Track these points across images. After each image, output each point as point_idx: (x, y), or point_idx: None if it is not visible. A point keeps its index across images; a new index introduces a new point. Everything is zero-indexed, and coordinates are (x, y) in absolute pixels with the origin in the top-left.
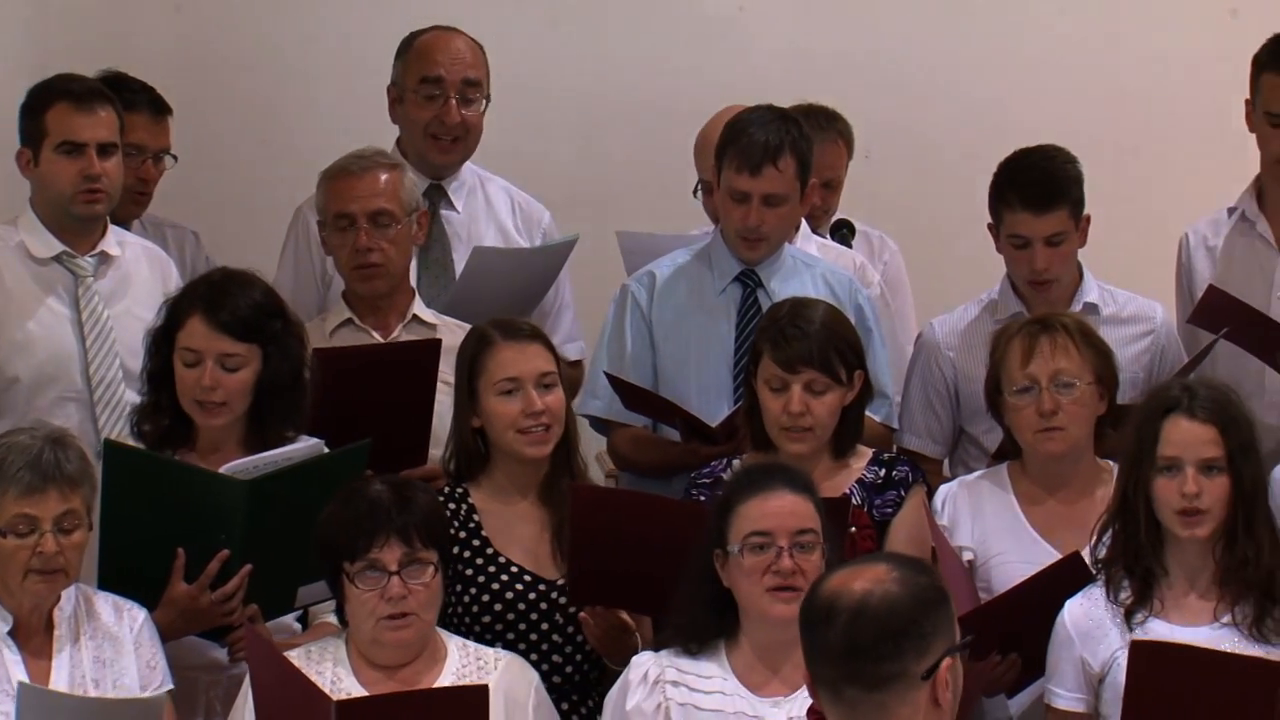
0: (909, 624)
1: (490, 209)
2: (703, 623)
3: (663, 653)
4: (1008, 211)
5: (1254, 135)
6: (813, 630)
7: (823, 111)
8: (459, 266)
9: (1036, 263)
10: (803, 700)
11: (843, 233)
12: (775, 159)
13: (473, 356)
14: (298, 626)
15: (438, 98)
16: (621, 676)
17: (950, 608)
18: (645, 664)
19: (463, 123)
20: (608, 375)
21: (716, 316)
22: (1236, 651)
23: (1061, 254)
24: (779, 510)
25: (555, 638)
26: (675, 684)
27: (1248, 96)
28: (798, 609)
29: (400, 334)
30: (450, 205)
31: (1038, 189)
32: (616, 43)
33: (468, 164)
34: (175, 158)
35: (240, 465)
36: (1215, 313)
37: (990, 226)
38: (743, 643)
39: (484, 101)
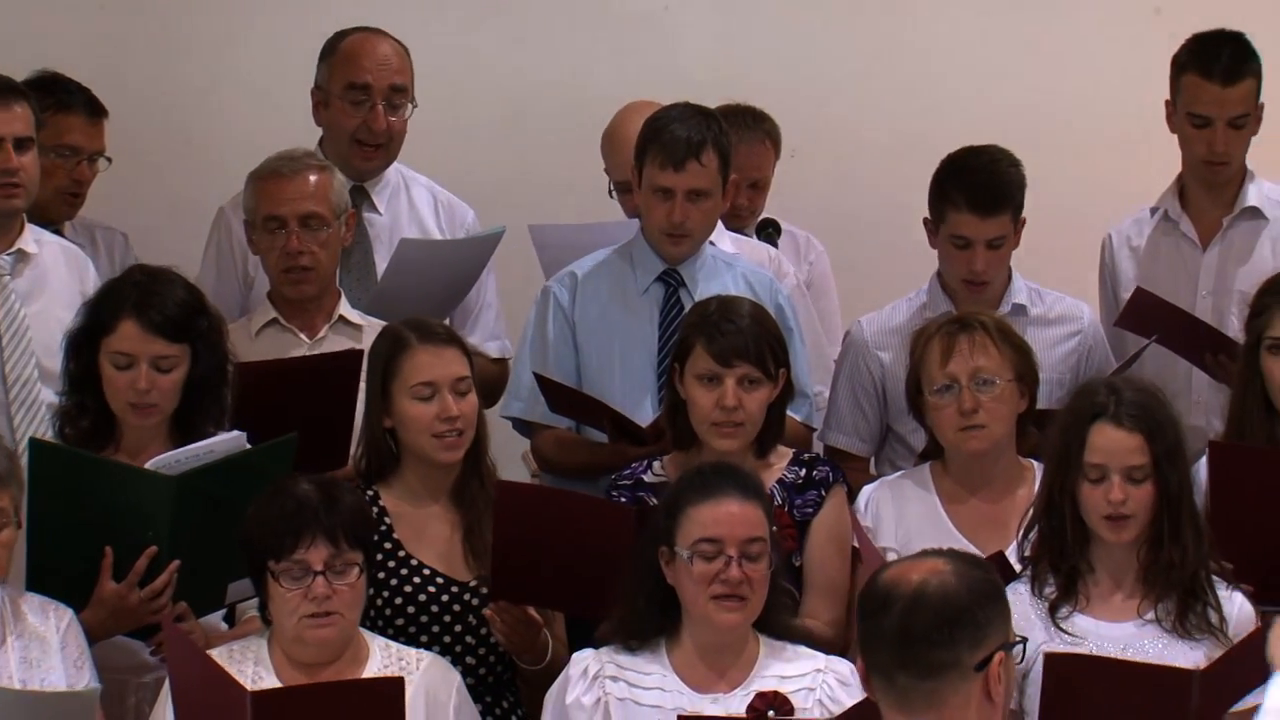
0: (964, 613)
1: (413, 210)
2: (644, 619)
3: (603, 649)
4: (953, 211)
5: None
6: (869, 617)
7: (749, 111)
8: (381, 269)
9: (976, 264)
10: (742, 697)
11: (768, 232)
12: (698, 154)
13: (388, 358)
14: (224, 625)
15: (364, 104)
16: (563, 672)
17: (1007, 604)
18: (585, 659)
19: (388, 129)
20: (536, 376)
21: (639, 316)
22: (1155, 658)
23: (1001, 256)
24: (729, 518)
25: (469, 639)
26: (615, 679)
27: (1168, 98)
28: (743, 617)
29: (326, 334)
30: (373, 208)
31: (986, 192)
32: (542, 41)
33: (393, 165)
34: (109, 160)
35: (164, 460)
36: (1143, 315)
37: (927, 222)
38: (684, 641)
39: (410, 107)
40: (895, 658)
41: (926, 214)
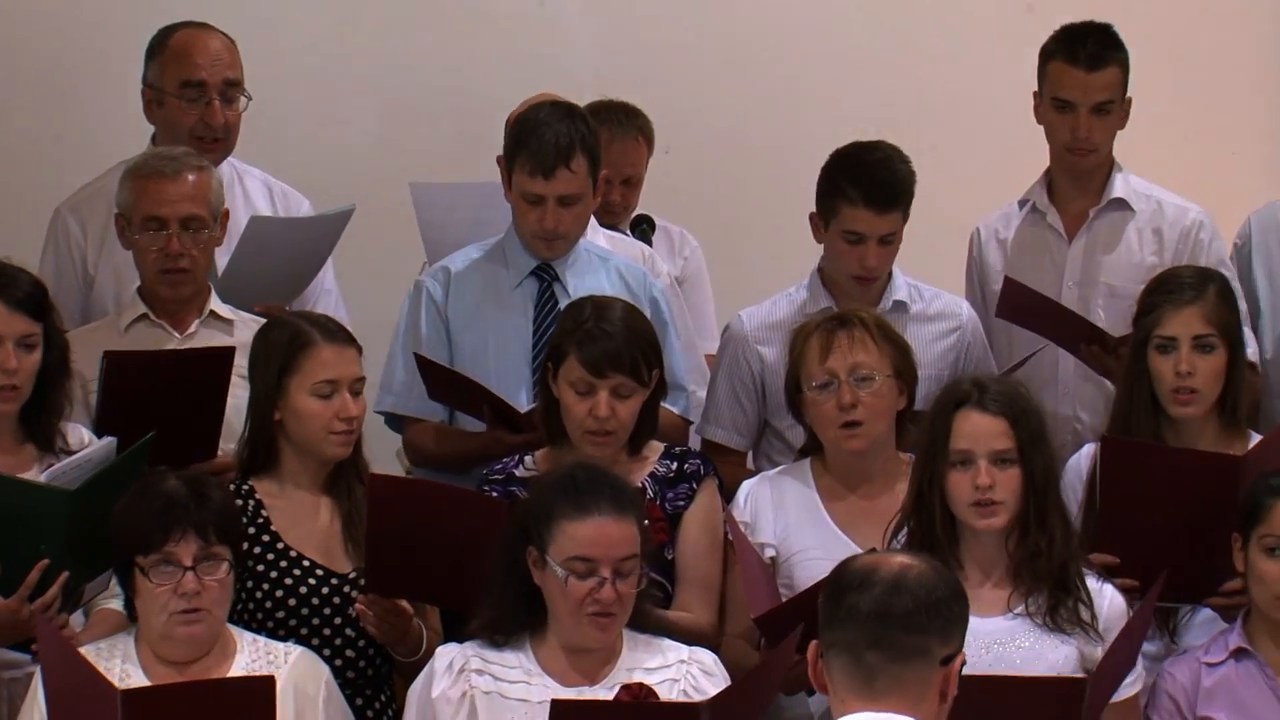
0: (941, 604)
1: (248, 201)
2: (510, 615)
3: (468, 643)
4: (846, 206)
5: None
6: (841, 595)
7: (623, 108)
8: (219, 262)
9: (869, 260)
10: (606, 691)
11: (643, 228)
12: (568, 160)
13: (288, 352)
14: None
15: (200, 100)
16: (427, 666)
17: (967, 601)
18: (450, 653)
19: (226, 123)
20: (417, 358)
21: (513, 311)
22: (1028, 652)
23: (891, 252)
24: (605, 538)
25: (348, 631)
26: (480, 673)
27: (1035, 89)
28: (611, 635)
29: (197, 330)
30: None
31: (883, 189)
32: (417, 35)
33: (226, 159)
34: None
35: (55, 473)
36: (1014, 304)
37: (814, 217)
38: (549, 637)
39: (244, 99)
40: (869, 636)
41: (812, 209)
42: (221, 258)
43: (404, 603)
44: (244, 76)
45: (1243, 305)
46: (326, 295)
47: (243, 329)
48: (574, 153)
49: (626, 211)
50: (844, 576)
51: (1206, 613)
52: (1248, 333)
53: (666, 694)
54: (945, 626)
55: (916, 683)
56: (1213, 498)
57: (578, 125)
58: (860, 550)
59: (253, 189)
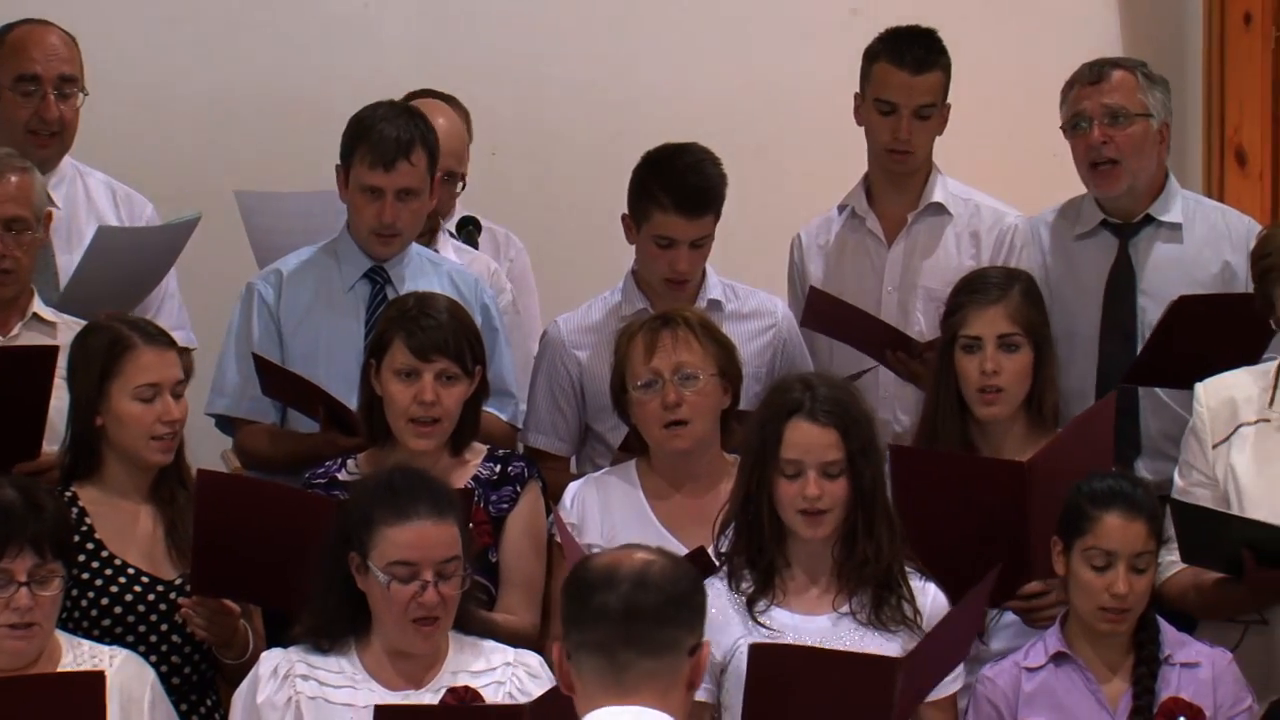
0: (687, 595)
1: (90, 203)
2: (334, 620)
3: (292, 648)
4: (658, 211)
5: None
6: (587, 595)
7: (441, 97)
8: (60, 261)
9: (680, 264)
10: (433, 694)
11: (468, 229)
12: (408, 153)
13: (108, 356)
14: None
15: (35, 94)
16: (251, 671)
17: (705, 591)
18: (275, 658)
19: (61, 118)
20: (255, 358)
21: (345, 313)
22: (852, 649)
23: (702, 255)
24: (425, 541)
25: (174, 637)
26: (305, 678)
27: (857, 91)
28: (436, 640)
29: (19, 332)
30: (50, 201)
31: (694, 194)
32: (242, 38)
33: (66, 158)
34: None
35: None
36: (820, 314)
37: (625, 219)
38: (374, 643)
39: (81, 95)
40: (620, 633)
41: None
42: (60, 252)
43: (230, 603)
44: (83, 73)
45: None
46: (170, 300)
47: (65, 331)
48: (414, 146)
49: (452, 197)
50: (587, 576)
51: (1011, 615)
52: None
53: (492, 696)
54: (691, 618)
55: (667, 675)
56: (1002, 504)
57: (418, 123)
58: (686, 549)
59: (95, 190)
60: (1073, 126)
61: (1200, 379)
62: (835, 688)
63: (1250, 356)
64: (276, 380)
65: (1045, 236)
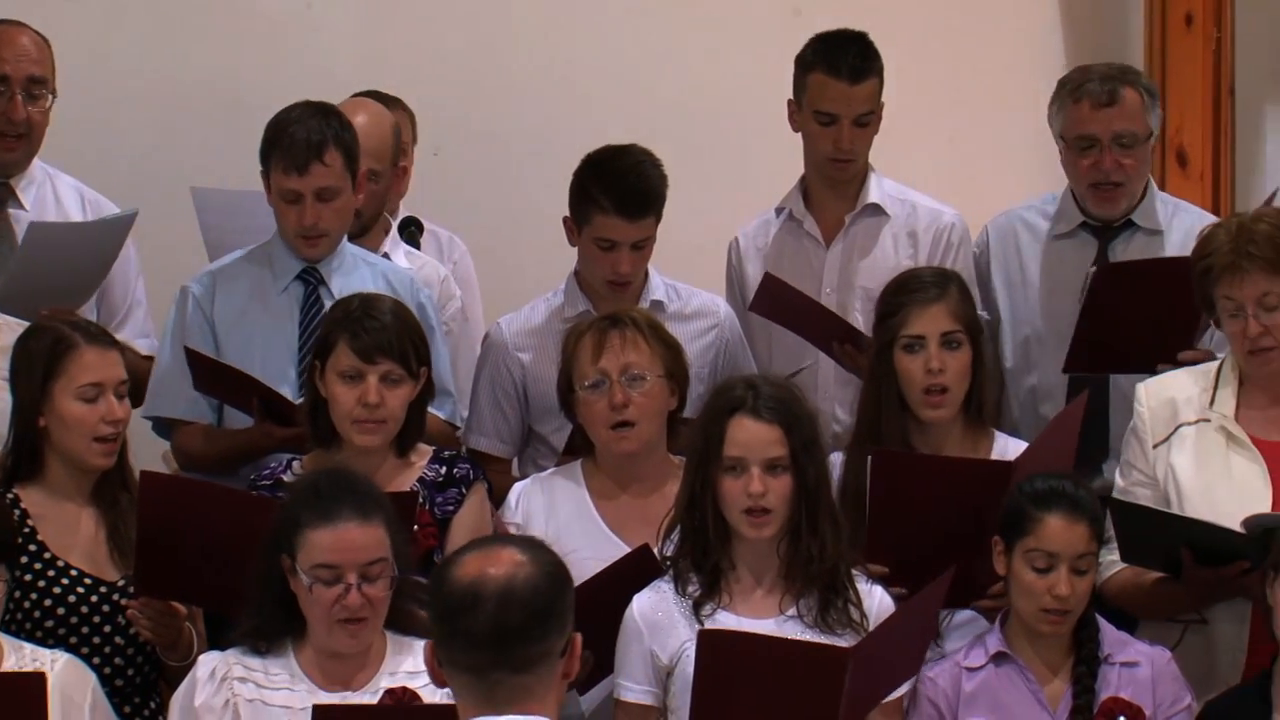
0: (552, 604)
1: (60, 205)
2: (271, 622)
3: (230, 650)
4: (599, 214)
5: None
6: (454, 618)
7: (384, 98)
8: None
9: (622, 266)
10: (371, 695)
11: (410, 230)
12: (320, 154)
13: (50, 356)
14: None
15: (2, 95)
16: (189, 674)
17: (572, 582)
18: (213, 661)
19: (28, 119)
20: (187, 350)
21: (279, 315)
22: (803, 639)
23: (644, 256)
24: (348, 544)
25: (117, 639)
26: (243, 680)
27: (790, 97)
28: (362, 641)
29: None
30: (18, 203)
31: (634, 196)
32: (186, 38)
33: (37, 161)
34: None
35: None
36: (773, 300)
37: (567, 221)
38: (311, 640)
39: (50, 97)
40: (489, 657)
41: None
42: None
43: (177, 604)
44: (54, 75)
45: (987, 314)
46: (138, 306)
47: (8, 332)
48: (326, 147)
49: (398, 195)
50: (450, 596)
51: (965, 615)
52: None
53: (430, 697)
54: (560, 622)
55: (541, 683)
56: (982, 504)
57: (330, 122)
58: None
59: (64, 194)
60: (1079, 148)
61: (1143, 359)
62: (785, 677)
63: (1186, 326)
64: (209, 374)
65: (1021, 233)
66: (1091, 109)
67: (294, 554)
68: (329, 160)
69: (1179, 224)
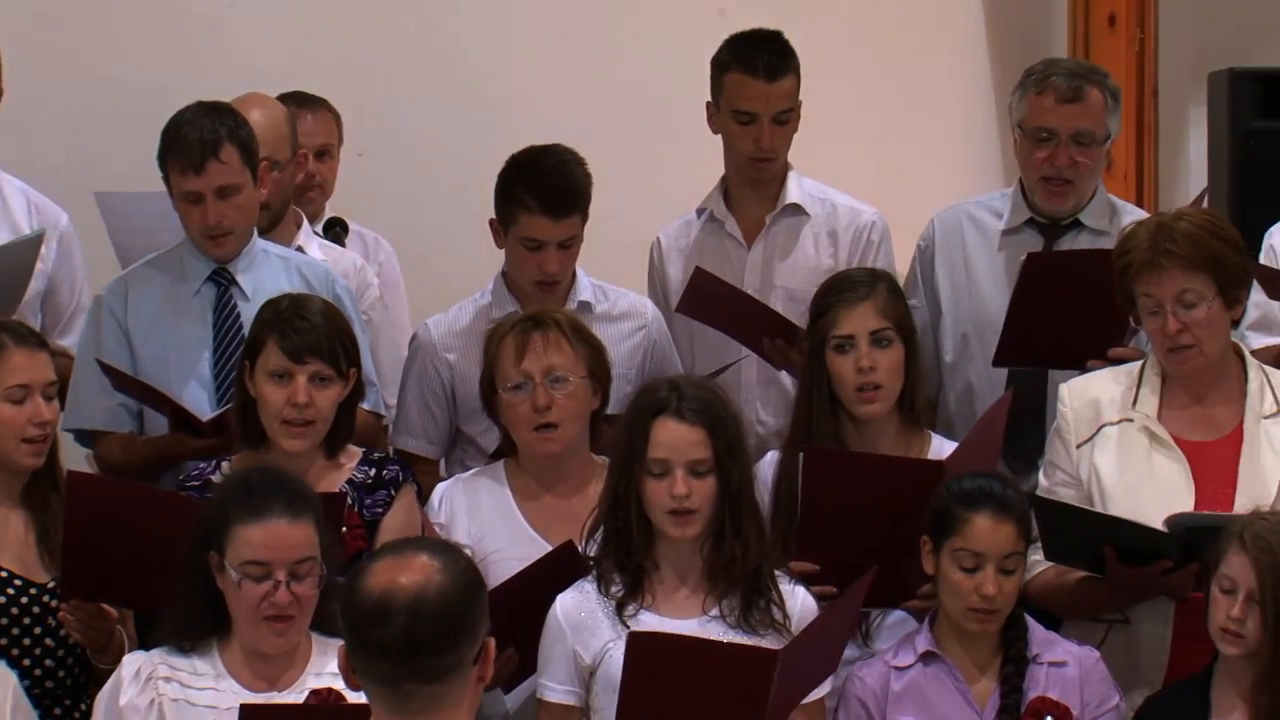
0: (464, 615)
1: (6, 209)
2: (196, 621)
3: (155, 650)
4: (524, 214)
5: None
6: (365, 630)
7: (309, 99)
8: None
9: (549, 265)
10: (296, 695)
11: (335, 231)
12: (216, 151)
13: None
14: None
15: None
16: (114, 674)
17: (485, 587)
18: (137, 661)
19: None
20: (100, 364)
21: (193, 317)
22: (731, 640)
23: (570, 255)
24: (278, 541)
25: (48, 642)
26: (168, 680)
27: (709, 99)
28: (289, 640)
29: None
30: None
31: (558, 195)
32: (105, 40)
33: None
34: None
35: None
36: (702, 297)
37: (493, 223)
38: (236, 640)
39: None
40: (401, 669)
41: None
42: None
43: (109, 607)
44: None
45: (927, 308)
46: (81, 313)
47: None
48: (221, 144)
49: (324, 194)
50: (361, 607)
51: (896, 615)
52: None
53: (354, 697)
54: (473, 631)
55: (454, 692)
56: (914, 503)
57: (224, 119)
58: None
59: (11, 197)
60: (1035, 139)
61: (1073, 355)
62: (713, 679)
63: (1116, 322)
64: (124, 385)
65: (967, 227)
66: (1055, 103)
67: (222, 550)
68: (225, 157)
69: (1122, 225)
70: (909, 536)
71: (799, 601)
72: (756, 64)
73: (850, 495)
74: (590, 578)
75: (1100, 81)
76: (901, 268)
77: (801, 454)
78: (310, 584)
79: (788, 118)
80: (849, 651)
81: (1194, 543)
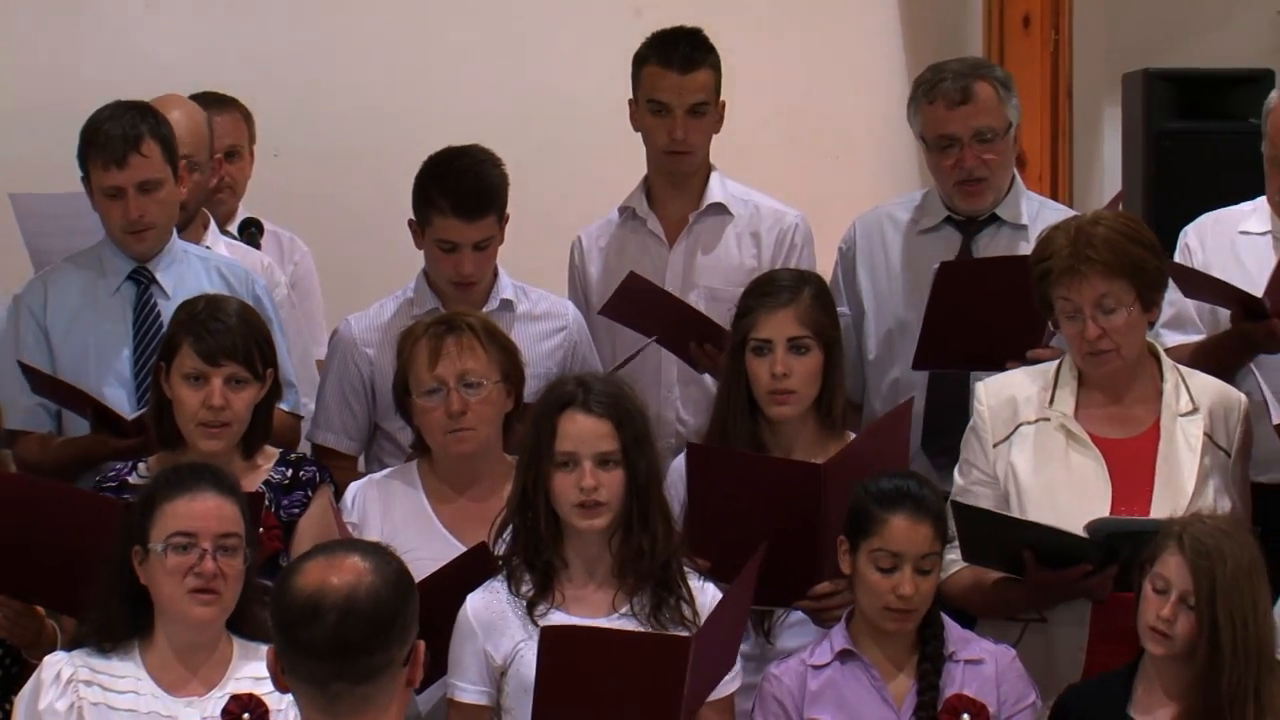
0: (395, 616)
1: None
2: (117, 621)
3: (76, 651)
4: (438, 216)
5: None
6: (295, 630)
7: (222, 100)
8: None
9: (464, 267)
10: (217, 700)
11: (250, 231)
12: (137, 145)
13: None
14: None
15: None
16: (34, 675)
17: (416, 589)
18: (58, 663)
19: None
20: (21, 365)
21: (113, 317)
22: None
23: (488, 256)
24: (204, 512)
25: None
26: (88, 683)
27: (631, 97)
28: (216, 611)
29: None
30: None
31: (471, 197)
32: (18, 45)
33: None
34: None
35: None
36: (631, 300)
37: (412, 224)
38: (158, 642)
39: None
40: (330, 669)
41: (411, 215)
42: None
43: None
44: None
45: (850, 309)
46: None
47: None
48: (143, 139)
49: (235, 195)
50: (291, 606)
51: (800, 614)
52: None
53: (276, 704)
54: (403, 632)
55: (384, 693)
56: (795, 504)
57: (145, 116)
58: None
59: None
60: (939, 148)
61: (991, 356)
62: (628, 670)
63: (1034, 324)
64: (44, 385)
65: (887, 228)
66: (947, 108)
67: (147, 537)
68: (146, 151)
69: (1044, 220)
70: (793, 536)
71: (709, 598)
72: (672, 56)
73: (733, 492)
74: (500, 577)
75: (986, 75)
76: (823, 269)
77: (686, 449)
78: (237, 562)
79: (704, 110)
80: (752, 648)
81: (1114, 546)
